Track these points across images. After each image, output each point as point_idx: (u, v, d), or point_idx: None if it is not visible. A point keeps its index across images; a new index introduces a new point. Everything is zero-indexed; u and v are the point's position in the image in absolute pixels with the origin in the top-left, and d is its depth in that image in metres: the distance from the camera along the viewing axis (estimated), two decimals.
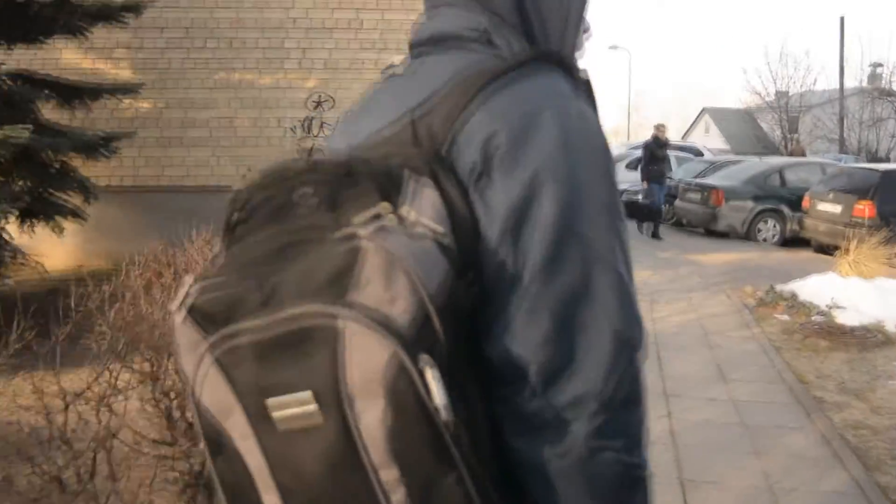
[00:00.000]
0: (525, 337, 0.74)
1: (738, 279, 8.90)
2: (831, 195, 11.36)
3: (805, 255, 11.46)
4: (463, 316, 0.74)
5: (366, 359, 0.66)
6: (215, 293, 0.73)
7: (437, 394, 0.67)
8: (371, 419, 0.67)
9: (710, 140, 39.37)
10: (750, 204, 13.00)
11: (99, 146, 7.05)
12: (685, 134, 46.24)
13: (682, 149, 20.32)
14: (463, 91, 0.79)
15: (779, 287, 7.77)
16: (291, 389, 0.68)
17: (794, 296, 7.43)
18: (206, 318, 0.73)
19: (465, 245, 0.75)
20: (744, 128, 38.39)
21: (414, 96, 0.83)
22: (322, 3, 8.94)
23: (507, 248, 0.75)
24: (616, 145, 24.60)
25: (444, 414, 0.67)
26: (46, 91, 7.22)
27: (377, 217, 0.71)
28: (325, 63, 9.04)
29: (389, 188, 0.74)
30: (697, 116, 47.30)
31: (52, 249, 7.59)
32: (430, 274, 0.70)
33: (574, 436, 0.74)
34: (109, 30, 8.28)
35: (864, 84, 32.11)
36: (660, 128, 13.54)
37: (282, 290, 0.70)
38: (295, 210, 0.75)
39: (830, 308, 6.90)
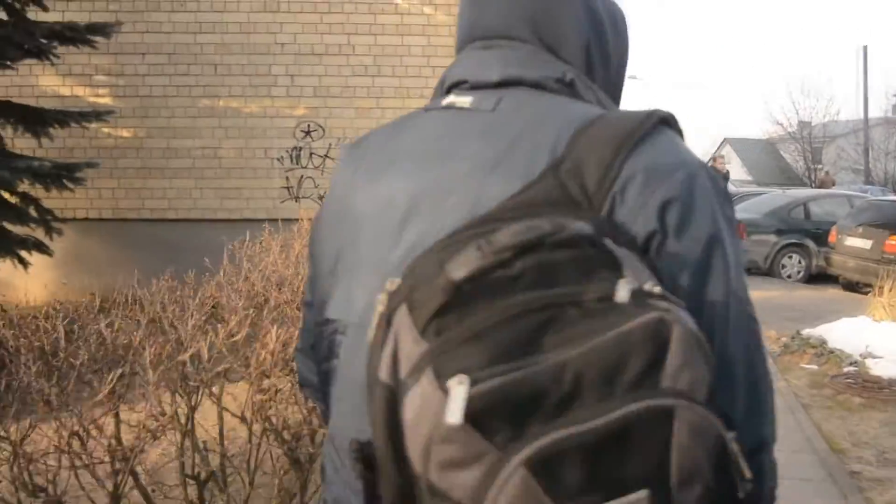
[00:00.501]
0: (726, 392, 0.74)
1: (761, 321, 8.11)
2: (860, 229, 10.66)
3: (832, 292, 10.73)
4: None
5: (696, 444, 0.64)
6: (498, 387, 0.61)
7: (745, 468, 0.67)
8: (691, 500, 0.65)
9: (732, 171, 38.69)
10: (773, 238, 12.30)
11: (62, 176, 6.54)
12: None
13: None
14: (610, 147, 0.77)
15: (805, 332, 7.06)
16: (625, 489, 0.62)
17: (822, 342, 6.71)
18: (490, 419, 0.61)
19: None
20: (766, 159, 37.78)
21: (528, 144, 0.80)
22: (311, 27, 8.45)
23: (696, 304, 0.74)
24: None
25: (751, 485, 0.68)
26: (12, 118, 6.77)
27: (643, 293, 0.66)
28: (314, 90, 8.52)
29: (605, 259, 0.68)
30: (718, 147, 46.62)
31: (28, 284, 7.10)
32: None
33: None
34: (88, 54, 7.87)
35: (889, 114, 31.35)
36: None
37: (585, 380, 0.62)
38: (519, 284, 0.66)
39: (864, 357, 6.17)
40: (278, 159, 8.57)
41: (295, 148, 8.58)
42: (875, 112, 29.84)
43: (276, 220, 5.82)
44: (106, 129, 8.33)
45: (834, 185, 21.31)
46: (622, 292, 0.65)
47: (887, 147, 28.51)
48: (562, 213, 0.72)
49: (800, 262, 12.27)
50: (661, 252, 0.76)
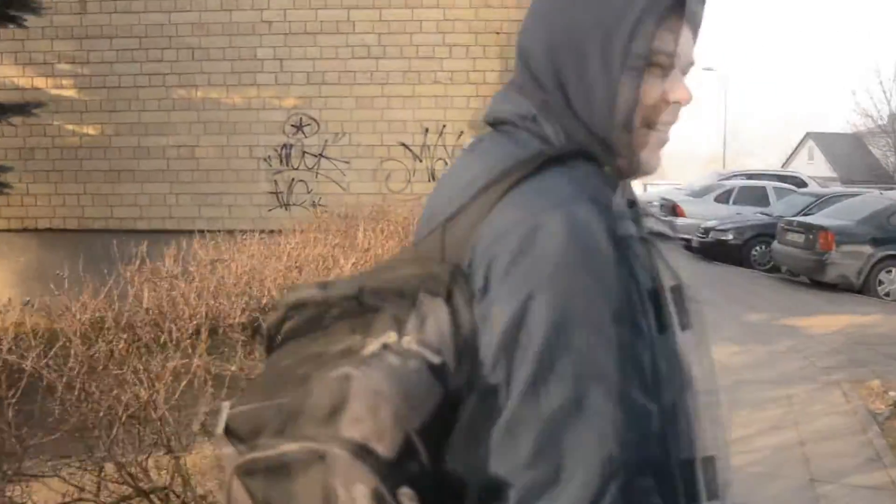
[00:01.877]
0: (507, 458, 0.75)
1: (858, 360, 6.47)
2: None
3: None
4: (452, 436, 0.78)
5: (351, 492, 0.72)
6: (244, 412, 0.84)
7: None
8: None
9: (815, 168, 36.16)
10: (868, 249, 10.39)
11: None
12: (786, 161, 42.87)
13: (781, 178, 17.60)
14: (487, 198, 0.82)
15: None
16: None
17: None
18: (236, 434, 0.83)
19: (467, 366, 0.78)
20: (852, 154, 35.13)
21: (454, 190, 0.87)
22: (303, 1, 7.10)
23: (500, 367, 0.77)
24: (707, 174, 22.05)
25: None
26: None
27: (385, 347, 0.77)
28: (307, 76, 7.17)
29: (403, 313, 0.79)
30: (800, 142, 43.72)
31: None
32: (419, 404, 0.75)
33: None
34: (51, 40, 6.79)
35: None
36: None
37: (297, 420, 0.78)
38: (325, 330, 0.84)
39: None
40: (265, 159, 7.30)
41: (284, 146, 7.28)
42: None
43: (263, 231, 4.61)
44: (70, 126, 7.20)
45: None
46: (370, 347, 0.78)
47: None
48: (426, 266, 0.83)
49: None
50: (482, 306, 0.79)
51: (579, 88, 0.87)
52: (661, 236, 0.88)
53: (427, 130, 7.08)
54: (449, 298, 0.79)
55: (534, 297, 0.75)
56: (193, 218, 7.27)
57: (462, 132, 7.02)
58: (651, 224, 0.89)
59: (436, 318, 0.77)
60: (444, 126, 7.06)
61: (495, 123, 0.92)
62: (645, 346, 0.80)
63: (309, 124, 7.26)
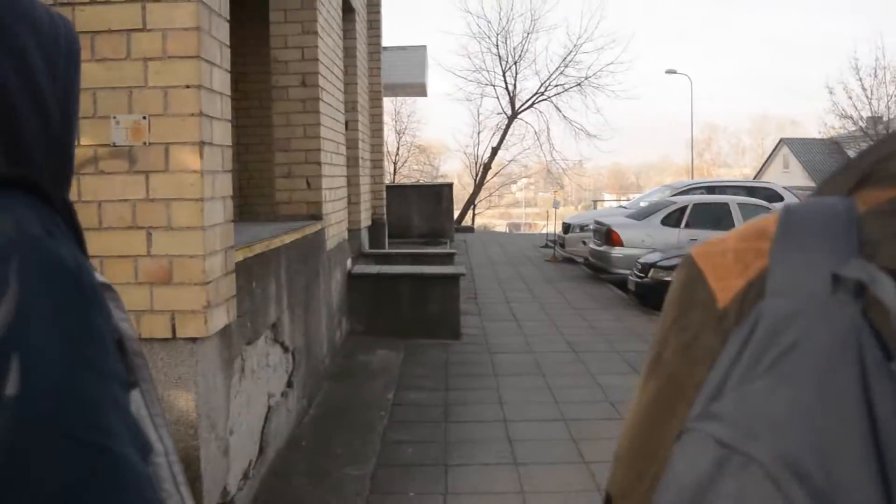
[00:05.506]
0: None
1: None
2: None
3: None
4: None
5: None
6: None
7: None
8: None
9: (791, 177, 32.85)
10: None
11: None
12: (759, 171, 39.58)
13: (751, 191, 13.99)
14: None
15: None
16: None
17: None
18: None
19: None
20: (830, 161, 31.81)
21: None
22: None
23: None
24: (656, 188, 18.48)
25: None
26: None
27: None
28: None
29: None
30: (774, 149, 40.52)
31: None
32: None
33: None
34: None
35: None
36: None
37: None
38: None
39: None
40: None
41: None
42: None
43: None
44: None
45: None
46: None
47: None
48: None
49: None
50: None
51: (37, 116, 0.72)
52: (103, 286, 0.70)
53: None
54: None
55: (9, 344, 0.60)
56: None
57: None
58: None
59: None
60: None
61: None
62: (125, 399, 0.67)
63: None
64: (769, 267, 0.54)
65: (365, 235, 9.39)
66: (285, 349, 4.64)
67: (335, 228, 6.91)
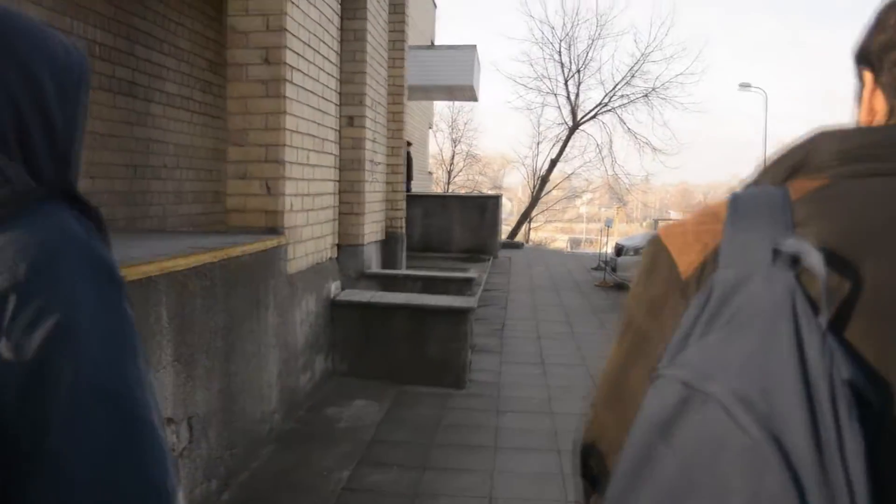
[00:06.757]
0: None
1: None
2: None
3: None
4: None
5: None
6: None
7: None
8: None
9: None
10: None
11: None
12: None
13: None
14: None
15: None
16: None
17: None
18: None
19: None
20: None
21: None
22: None
23: (26, 414, 0.67)
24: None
25: None
26: None
27: None
28: None
29: None
30: None
31: None
32: None
33: None
34: None
35: None
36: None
37: None
38: None
39: None
40: None
41: None
42: None
43: None
44: None
45: None
46: None
47: None
48: None
49: None
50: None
51: (42, 130, 0.84)
52: None
53: None
54: None
55: (59, 338, 0.70)
56: None
57: None
58: None
59: None
60: None
61: None
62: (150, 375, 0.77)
63: None
64: (721, 244, 0.69)
65: (372, 252, 8.00)
66: (168, 421, 3.25)
67: (309, 246, 5.52)
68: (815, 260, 0.61)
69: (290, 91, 4.94)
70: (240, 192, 4.92)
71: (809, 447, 0.58)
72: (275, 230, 4.86)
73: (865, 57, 0.79)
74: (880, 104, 0.77)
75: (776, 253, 0.63)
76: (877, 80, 0.78)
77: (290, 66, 4.95)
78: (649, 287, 0.77)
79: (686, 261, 0.73)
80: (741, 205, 0.70)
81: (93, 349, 0.69)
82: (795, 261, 0.63)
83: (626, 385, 0.77)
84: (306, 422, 5.10)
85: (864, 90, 0.80)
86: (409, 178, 16.02)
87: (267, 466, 4.28)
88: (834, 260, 0.63)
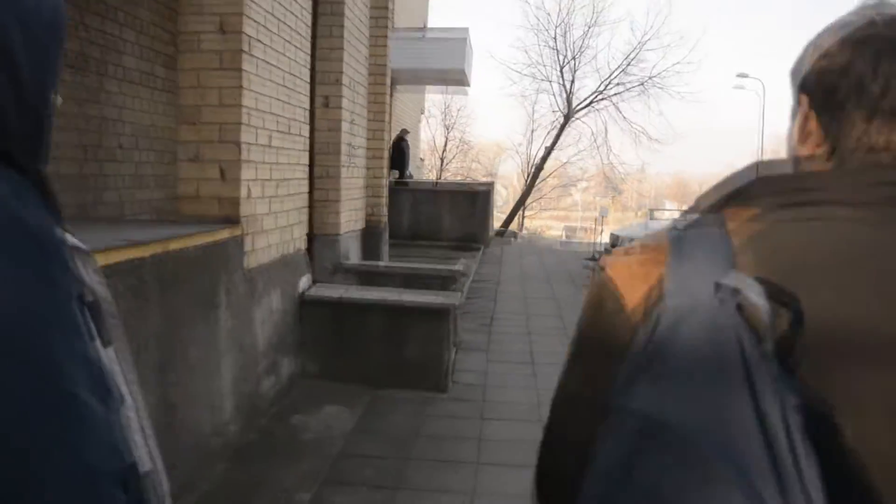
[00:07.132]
0: None
1: None
2: None
3: None
4: None
5: None
6: None
7: None
8: None
9: None
10: None
11: None
12: None
13: None
14: None
15: None
16: None
17: None
18: None
19: None
20: None
21: None
22: None
23: None
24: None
25: None
26: None
27: None
28: None
29: None
30: None
31: None
32: None
33: None
34: None
35: None
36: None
37: None
38: None
39: None
40: None
41: None
42: None
43: None
44: None
45: None
46: None
47: None
48: None
49: None
50: None
51: (9, 83, 0.75)
52: (77, 249, 0.74)
53: None
54: None
55: None
56: None
57: None
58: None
59: None
60: None
61: None
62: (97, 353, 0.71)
63: None
64: (665, 275, 0.71)
65: (350, 243, 7.48)
66: None
67: (273, 237, 5.00)
68: (755, 292, 0.65)
69: (248, 64, 4.40)
70: (192, 176, 4.39)
71: (769, 469, 0.59)
72: (231, 219, 4.34)
73: (803, 82, 0.81)
74: (814, 127, 0.79)
75: (718, 286, 0.67)
76: (812, 105, 0.79)
77: (249, 36, 4.41)
78: (597, 319, 0.79)
79: (632, 290, 0.75)
80: (684, 237, 0.74)
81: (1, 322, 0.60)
82: (736, 292, 0.66)
83: (576, 415, 0.80)
84: (268, 432, 4.59)
85: (799, 110, 0.82)
86: (404, 166, 15.50)
87: (217, 489, 3.77)
88: (773, 291, 0.65)
